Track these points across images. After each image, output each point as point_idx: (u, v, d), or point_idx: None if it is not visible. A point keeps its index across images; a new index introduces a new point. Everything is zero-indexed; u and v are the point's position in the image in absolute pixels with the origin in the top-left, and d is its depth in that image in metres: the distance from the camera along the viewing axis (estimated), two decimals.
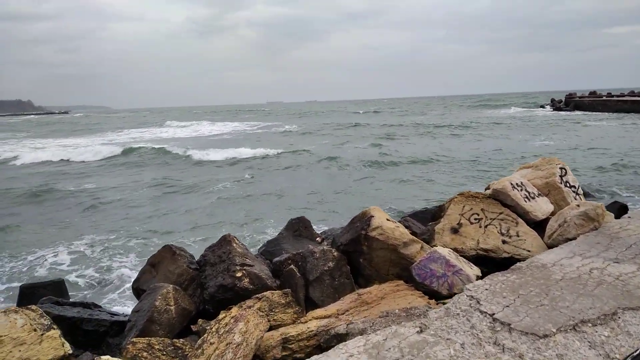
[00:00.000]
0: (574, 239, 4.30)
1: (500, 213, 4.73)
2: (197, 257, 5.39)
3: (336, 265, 4.68)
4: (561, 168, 5.11)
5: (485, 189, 6.15)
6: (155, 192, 14.08)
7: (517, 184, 4.79)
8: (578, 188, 5.09)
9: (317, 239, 6.74)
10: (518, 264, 3.58)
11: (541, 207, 4.76)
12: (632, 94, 51.08)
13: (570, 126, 31.29)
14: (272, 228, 9.41)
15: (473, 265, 4.21)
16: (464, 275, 3.97)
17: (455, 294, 3.95)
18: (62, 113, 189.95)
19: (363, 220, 4.75)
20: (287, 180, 15.26)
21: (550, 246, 4.43)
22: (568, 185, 5.00)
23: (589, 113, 44.03)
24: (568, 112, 47.32)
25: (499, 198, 4.83)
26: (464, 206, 4.89)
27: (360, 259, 4.70)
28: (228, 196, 13.05)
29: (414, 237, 4.54)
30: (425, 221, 7.85)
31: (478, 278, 4.04)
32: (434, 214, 6.13)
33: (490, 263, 4.49)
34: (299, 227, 6.77)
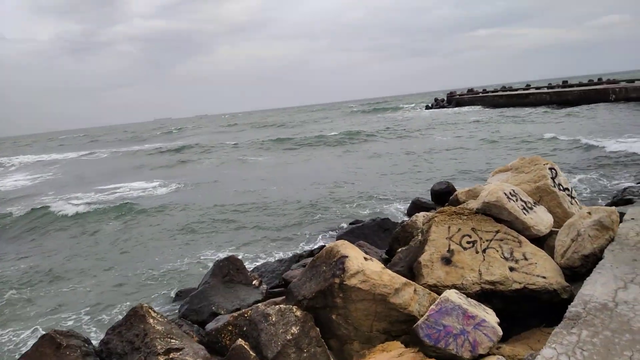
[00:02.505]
0: (592, 255, 3.50)
1: (497, 232, 3.79)
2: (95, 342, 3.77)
3: (302, 329, 3.39)
4: (551, 169, 4.35)
5: (454, 201, 5.26)
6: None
7: (510, 192, 3.90)
8: (572, 190, 4.37)
9: (254, 282, 5.36)
10: (574, 310, 2.60)
11: (542, 219, 3.91)
12: (504, 89, 56.02)
13: (461, 118, 32.98)
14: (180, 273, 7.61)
15: (487, 309, 3.19)
16: (489, 327, 2.92)
17: (482, 355, 2.88)
18: None
19: (332, 262, 3.51)
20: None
21: (565, 267, 3.58)
22: (561, 188, 4.25)
23: (470, 108, 47.33)
24: (453, 109, 50.45)
25: (491, 213, 3.89)
26: (449, 227, 3.88)
27: (333, 315, 3.46)
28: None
29: (406, 280, 3.41)
30: (377, 242, 6.84)
31: (499, 325, 3.04)
32: (396, 236, 5.10)
33: (496, 298, 3.53)
34: (228, 271, 5.34)
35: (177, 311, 5.43)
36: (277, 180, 16.09)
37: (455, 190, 9.92)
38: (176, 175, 19.39)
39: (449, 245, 3.77)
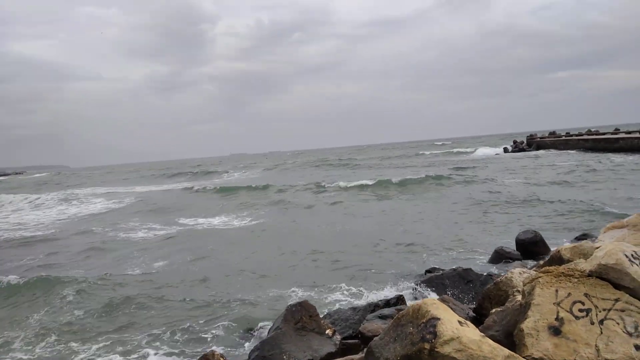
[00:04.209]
0: None
1: (617, 300, 3.23)
2: None
3: None
4: None
5: (556, 259, 4.68)
6: None
7: (632, 254, 3.33)
8: None
9: (328, 331, 5.04)
10: None
11: None
12: (590, 132, 52.61)
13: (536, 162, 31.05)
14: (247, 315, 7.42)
15: None
16: None
17: None
18: (17, 174, 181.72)
19: (420, 323, 3.14)
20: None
21: None
22: None
23: (553, 152, 44.71)
24: (534, 152, 47.96)
25: (609, 277, 3.34)
26: (557, 290, 3.37)
27: None
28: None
29: (509, 351, 2.95)
30: (459, 295, 6.31)
31: None
32: (487, 294, 4.59)
33: None
34: (301, 317, 5.07)
35: (245, 356, 5.24)
36: (346, 221, 15.82)
37: (543, 241, 9.11)
38: (252, 212, 19.70)
39: (557, 312, 3.26)
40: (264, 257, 11.21)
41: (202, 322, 6.96)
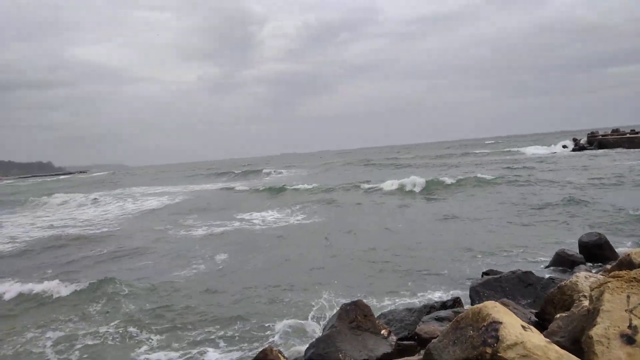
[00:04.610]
0: None
1: None
2: None
3: None
4: None
5: (626, 263, 4.44)
6: None
7: None
8: None
9: (383, 331, 5.03)
10: None
11: None
12: None
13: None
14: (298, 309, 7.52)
15: None
16: None
17: None
18: (81, 172, 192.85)
19: (481, 327, 3.08)
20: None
21: None
22: None
23: (617, 150, 42.17)
24: (595, 151, 45.47)
25: None
26: (628, 296, 3.19)
27: None
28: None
29: (577, 358, 2.84)
30: (519, 299, 6.11)
31: None
32: (551, 298, 4.42)
33: None
34: (355, 316, 5.08)
35: (300, 352, 5.32)
36: (396, 221, 15.66)
37: (609, 244, 8.65)
38: (304, 210, 19.91)
39: (630, 319, 3.08)
40: (316, 255, 11.32)
41: (257, 318, 7.13)
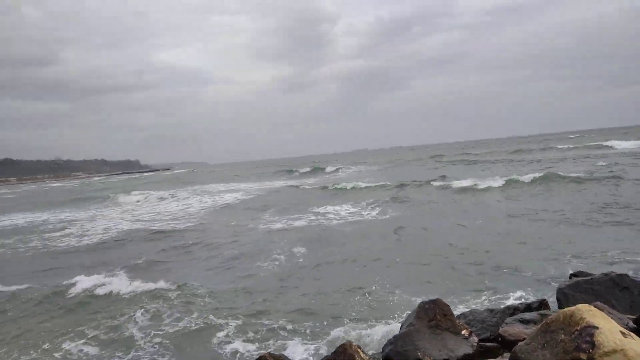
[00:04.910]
0: None
1: None
2: None
3: None
4: None
5: None
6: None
7: None
8: None
9: (464, 332, 4.93)
10: None
11: None
12: None
13: None
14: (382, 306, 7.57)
15: None
16: None
17: None
18: (165, 170, 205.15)
19: (573, 331, 2.93)
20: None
21: None
22: None
23: None
24: None
25: None
26: None
27: None
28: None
29: None
30: (613, 303, 5.72)
31: None
32: None
33: None
34: (434, 315, 5.02)
35: (377, 349, 5.36)
36: (473, 219, 15.12)
37: None
38: (378, 206, 19.87)
39: None
40: (390, 250, 11.27)
41: (334, 312, 7.26)
